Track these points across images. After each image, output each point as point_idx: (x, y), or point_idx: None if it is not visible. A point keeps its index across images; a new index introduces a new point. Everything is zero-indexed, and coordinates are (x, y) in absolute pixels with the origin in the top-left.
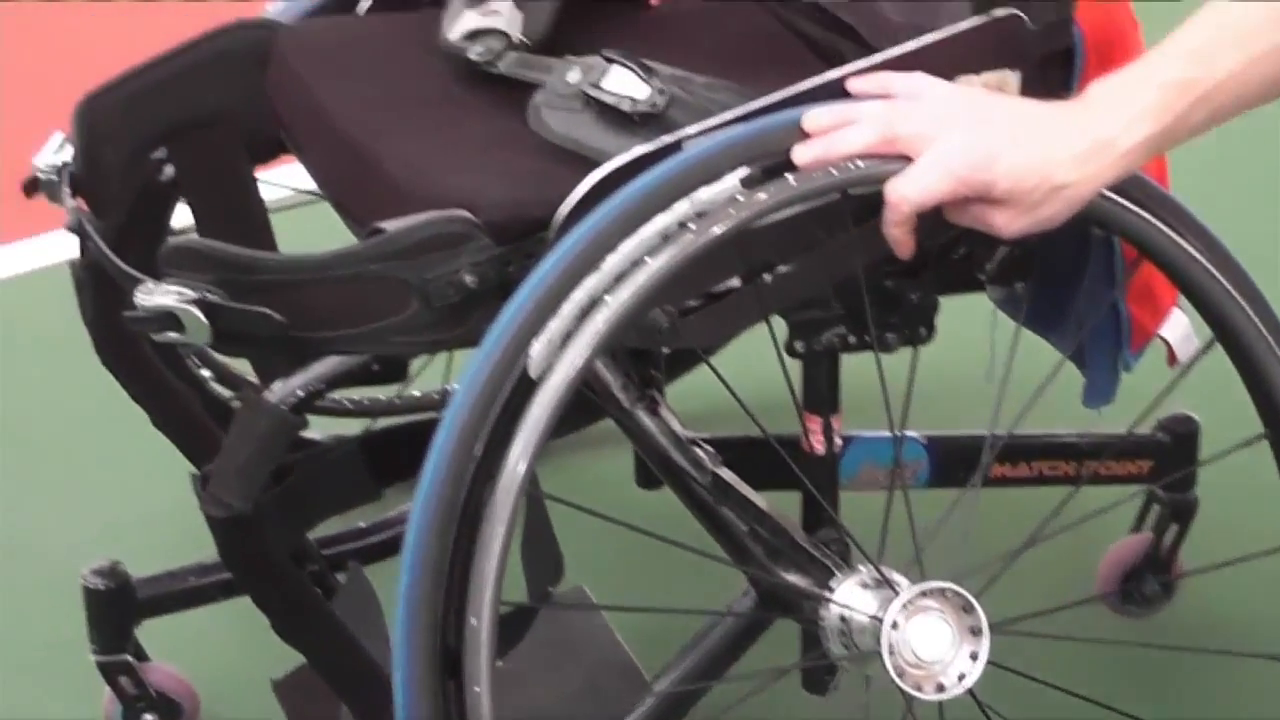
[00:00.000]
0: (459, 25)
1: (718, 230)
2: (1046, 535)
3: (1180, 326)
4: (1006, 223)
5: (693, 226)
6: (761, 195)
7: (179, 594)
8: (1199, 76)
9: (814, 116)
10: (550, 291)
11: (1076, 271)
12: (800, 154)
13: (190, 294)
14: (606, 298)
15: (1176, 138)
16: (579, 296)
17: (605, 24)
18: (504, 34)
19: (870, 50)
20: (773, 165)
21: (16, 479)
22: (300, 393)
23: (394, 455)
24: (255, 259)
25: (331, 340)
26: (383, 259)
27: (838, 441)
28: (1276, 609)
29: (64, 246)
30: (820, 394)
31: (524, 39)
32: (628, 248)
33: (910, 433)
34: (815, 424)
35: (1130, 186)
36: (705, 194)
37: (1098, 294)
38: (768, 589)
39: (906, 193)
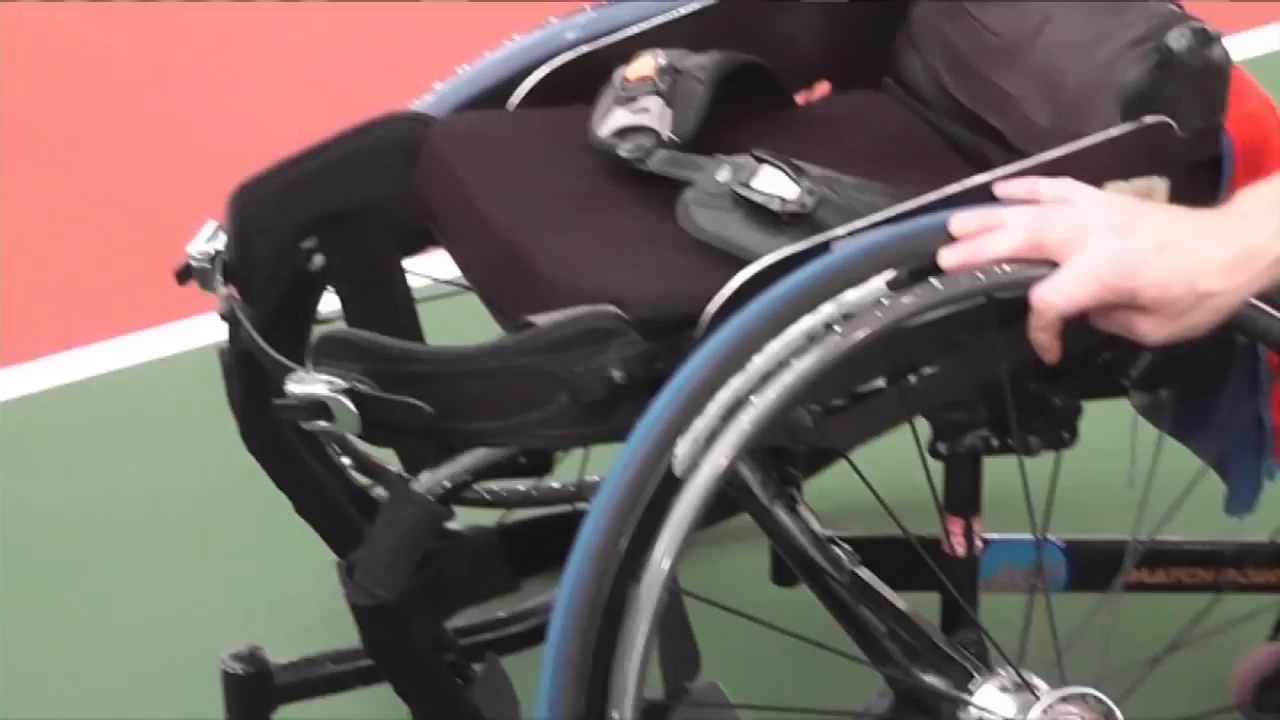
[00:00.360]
0: (609, 122)
1: (863, 334)
2: (1186, 642)
3: None
4: (1152, 330)
5: (838, 329)
6: (907, 299)
7: (317, 680)
8: None
9: (961, 220)
10: (697, 390)
11: (1220, 379)
12: (946, 258)
13: (341, 383)
14: (752, 398)
15: None
16: (725, 397)
17: (754, 123)
18: (654, 132)
19: (1016, 153)
20: (919, 268)
21: (158, 561)
22: (447, 483)
23: (533, 547)
24: (406, 350)
25: (479, 432)
26: (532, 352)
27: (978, 544)
28: None
29: (207, 330)
30: (962, 496)
31: (673, 137)
32: (774, 349)
33: (1049, 536)
34: (956, 526)
35: (1275, 294)
36: (851, 296)
37: (1241, 402)
38: (905, 690)
39: (1052, 298)
